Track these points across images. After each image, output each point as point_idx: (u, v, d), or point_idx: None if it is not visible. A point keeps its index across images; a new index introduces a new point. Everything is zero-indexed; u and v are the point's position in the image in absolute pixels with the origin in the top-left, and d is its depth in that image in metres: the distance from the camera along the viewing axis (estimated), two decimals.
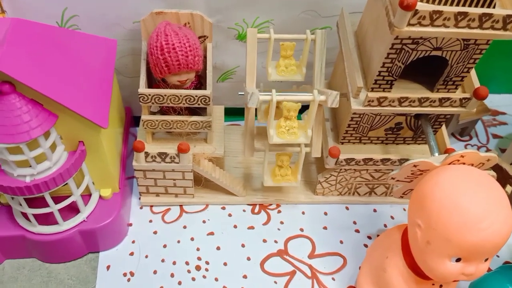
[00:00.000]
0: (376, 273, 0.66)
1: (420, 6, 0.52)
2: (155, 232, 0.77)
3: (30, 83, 0.55)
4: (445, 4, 0.54)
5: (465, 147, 0.93)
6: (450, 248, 0.53)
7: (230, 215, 0.80)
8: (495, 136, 0.95)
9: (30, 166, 0.60)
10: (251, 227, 0.79)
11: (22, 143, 0.57)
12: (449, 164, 0.56)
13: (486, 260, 0.55)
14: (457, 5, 0.54)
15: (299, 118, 0.70)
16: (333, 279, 0.73)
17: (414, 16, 0.53)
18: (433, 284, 0.61)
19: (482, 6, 0.54)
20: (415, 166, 0.58)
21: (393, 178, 0.63)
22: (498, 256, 0.78)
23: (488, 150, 0.93)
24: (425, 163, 0.57)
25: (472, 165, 0.57)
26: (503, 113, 0.98)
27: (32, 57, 0.58)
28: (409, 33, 0.54)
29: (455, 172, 0.55)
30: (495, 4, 0.54)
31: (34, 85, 0.55)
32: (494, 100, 0.99)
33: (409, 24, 0.54)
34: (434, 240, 0.54)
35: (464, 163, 0.57)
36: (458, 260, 0.54)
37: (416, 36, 0.56)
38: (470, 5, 0.54)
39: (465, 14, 0.53)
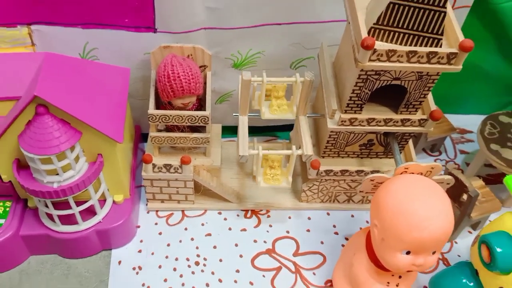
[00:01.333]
0: (347, 268, 0.78)
1: (378, 45, 0.65)
2: (160, 233, 0.89)
3: (60, 105, 0.67)
4: (400, 43, 0.67)
5: (435, 161, 1.04)
6: (400, 243, 0.64)
7: (225, 219, 0.92)
8: (462, 152, 1.07)
9: (58, 174, 0.72)
10: (244, 229, 0.90)
11: (53, 155, 0.69)
12: (400, 174, 0.68)
13: (434, 253, 0.66)
14: (410, 45, 0.67)
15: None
16: (313, 274, 0.85)
17: (373, 53, 0.65)
18: (392, 275, 0.73)
19: (431, 45, 0.67)
20: (371, 180, 0.70)
21: (361, 191, 0.74)
22: (459, 256, 0.89)
23: (456, 164, 1.04)
24: (379, 177, 0.69)
25: (422, 173, 0.69)
26: (470, 132, 1.10)
27: (61, 84, 0.70)
28: (370, 67, 0.67)
29: (403, 181, 0.66)
30: (441, 44, 0.67)
31: (64, 107, 0.67)
32: (463, 120, 1.11)
33: (370, 60, 0.66)
34: (387, 237, 0.66)
35: (413, 173, 0.69)
36: (408, 253, 0.65)
37: (377, 69, 0.68)
38: (420, 45, 0.67)
39: (415, 52, 0.65)
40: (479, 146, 0.94)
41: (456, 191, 0.85)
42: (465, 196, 0.83)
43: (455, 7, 0.87)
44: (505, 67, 0.98)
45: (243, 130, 0.82)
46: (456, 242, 0.91)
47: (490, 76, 1.02)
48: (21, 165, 0.74)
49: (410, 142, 0.88)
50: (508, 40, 0.96)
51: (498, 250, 0.70)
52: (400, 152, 0.87)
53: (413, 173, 0.68)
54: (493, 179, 1.00)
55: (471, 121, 1.08)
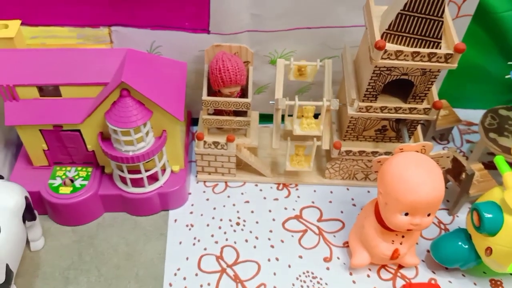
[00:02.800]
0: (359, 230, 0.95)
1: (388, 47, 0.82)
2: (207, 199, 1.07)
3: (139, 89, 0.86)
4: (407, 45, 0.84)
5: (443, 148, 1.20)
6: (399, 206, 0.81)
7: (261, 190, 1.10)
8: (468, 141, 1.22)
9: (133, 144, 0.92)
10: (276, 199, 1.08)
11: (131, 129, 0.88)
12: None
13: (429, 215, 0.83)
14: (415, 46, 0.83)
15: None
16: (334, 236, 1.02)
17: (384, 53, 0.82)
18: (396, 235, 0.89)
19: (432, 47, 0.83)
20: (378, 161, 0.87)
21: (376, 172, 0.91)
22: (459, 227, 1.04)
23: (461, 152, 1.20)
24: (384, 158, 0.86)
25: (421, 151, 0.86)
26: (476, 124, 1.24)
27: (138, 73, 0.90)
28: (382, 64, 0.84)
29: (402, 157, 0.83)
30: (440, 46, 0.83)
31: (141, 90, 0.87)
32: (470, 114, 1.25)
33: (382, 58, 0.83)
34: (389, 201, 0.82)
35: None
36: (406, 214, 0.82)
37: (387, 65, 0.85)
38: (423, 47, 0.83)
39: (418, 52, 0.82)
40: (480, 135, 1.09)
41: (456, 171, 1.01)
42: (463, 175, 0.99)
43: (458, 15, 1.02)
44: (506, 68, 1.13)
45: (277, 126, 0.98)
46: (457, 216, 1.07)
47: (493, 76, 1.17)
48: (103, 137, 0.94)
49: (419, 129, 1.04)
50: (509, 44, 1.11)
51: (486, 215, 0.85)
52: (410, 138, 1.04)
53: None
54: (493, 165, 1.15)
55: (477, 115, 1.22)
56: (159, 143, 0.94)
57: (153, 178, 1.01)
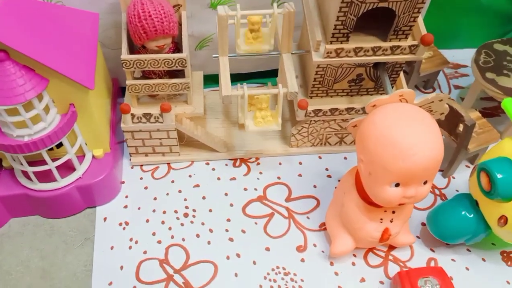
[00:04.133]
0: (338, 209, 0.74)
1: None
2: (145, 188, 0.85)
3: (22, 49, 0.62)
4: None
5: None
6: (387, 175, 0.61)
7: (213, 169, 0.88)
8: (456, 87, 1.03)
9: (28, 127, 0.68)
10: (233, 178, 0.87)
11: (19, 105, 0.64)
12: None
13: (426, 183, 0.63)
14: None
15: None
16: (307, 218, 0.82)
17: None
18: (385, 211, 0.69)
19: None
20: (354, 126, 0.66)
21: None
22: (457, 191, 0.86)
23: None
24: (360, 120, 0.65)
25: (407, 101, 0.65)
26: (465, 66, 1.05)
27: (23, 28, 0.65)
28: None
29: (384, 111, 0.62)
30: None
31: (26, 51, 0.62)
32: (456, 55, 1.07)
33: None
34: (374, 171, 0.62)
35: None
36: (397, 185, 0.62)
37: None
38: None
39: None
40: (474, 76, 0.89)
41: (451, 123, 0.81)
42: (461, 127, 0.79)
43: None
44: None
45: (224, 71, 0.77)
46: (453, 177, 0.88)
47: (484, 7, 0.98)
48: None
49: (402, 75, 0.84)
50: None
51: (499, 176, 0.67)
52: (392, 87, 0.83)
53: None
54: (490, 112, 0.97)
55: (466, 55, 1.04)
56: (66, 121, 0.71)
57: (69, 168, 0.77)
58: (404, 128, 0.61)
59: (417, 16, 0.70)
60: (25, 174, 0.76)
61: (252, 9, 0.80)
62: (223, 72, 0.77)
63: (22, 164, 0.72)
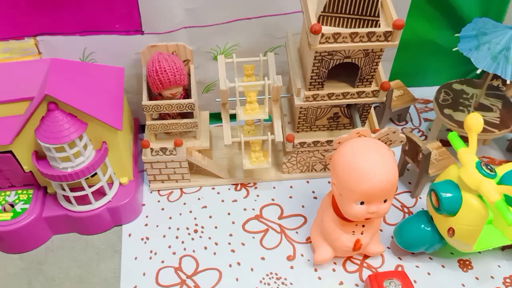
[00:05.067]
0: (320, 224, 0.91)
1: (324, 30, 0.77)
2: (162, 209, 1.02)
3: (67, 101, 0.80)
4: (345, 27, 0.79)
5: (402, 129, 1.17)
6: (353, 195, 0.77)
7: (218, 192, 1.05)
8: (426, 119, 1.19)
9: (70, 160, 0.86)
10: (235, 200, 1.04)
11: (65, 144, 0.82)
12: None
13: (386, 201, 0.79)
14: (353, 27, 0.79)
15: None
16: (296, 232, 0.98)
17: (322, 37, 0.78)
18: (356, 225, 0.85)
19: (371, 27, 0.79)
20: (330, 159, 0.83)
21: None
22: (423, 209, 1.01)
23: (420, 131, 1.17)
24: (332, 155, 0.83)
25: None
26: (432, 101, 1.22)
27: (67, 84, 0.84)
28: (321, 48, 0.79)
29: (350, 144, 0.78)
30: (379, 24, 0.79)
31: (70, 102, 0.81)
32: (426, 92, 1.23)
33: (320, 43, 0.79)
34: (343, 192, 0.79)
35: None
36: (362, 203, 0.78)
37: (327, 50, 0.81)
38: (361, 27, 0.79)
39: (357, 33, 0.78)
40: (435, 112, 1.06)
41: (413, 152, 0.98)
42: (420, 155, 0.96)
43: None
44: (457, 40, 1.10)
45: (226, 122, 0.96)
46: (420, 198, 1.04)
47: (445, 50, 1.14)
48: (39, 156, 0.88)
49: (372, 112, 1.01)
50: (456, 16, 1.08)
51: (443, 195, 0.82)
52: (364, 122, 1.00)
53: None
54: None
55: (434, 92, 1.20)
56: (100, 156, 0.89)
57: (100, 193, 0.95)
58: (364, 157, 0.77)
59: (376, 68, 0.87)
60: (66, 198, 0.94)
61: (249, 53, 0.99)
62: (225, 123, 0.96)
63: (64, 190, 0.90)
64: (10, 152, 0.87)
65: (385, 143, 0.83)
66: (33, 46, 0.95)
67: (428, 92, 1.23)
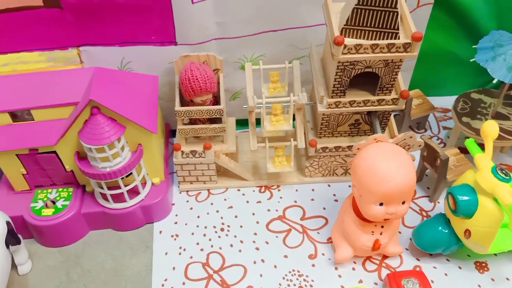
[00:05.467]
0: (340, 224, 0.96)
1: (347, 41, 0.83)
2: (191, 208, 1.09)
3: (108, 105, 0.88)
4: (366, 39, 0.85)
5: (421, 137, 1.21)
6: (373, 197, 0.82)
7: (243, 194, 1.11)
8: (445, 127, 1.23)
9: (109, 160, 0.93)
10: (259, 201, 1.09)
11: (105, 145, 0.89)
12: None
13: (404, 203, 0.83)
14: (374, 39, 0.85)
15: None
16: (318, 233, 1.03)
17: (344, 48, 0.84)
18: (375, 225, 0.90)
19: (390, 38, 0.85)
20: (351, 163, 0.88)
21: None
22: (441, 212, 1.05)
23: (438, 139, 1.21)
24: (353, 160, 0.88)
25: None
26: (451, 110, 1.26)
27: (107, 90, 0.91)
28: (344, 59, 0.85)
29: (371, 149, 0.83)
30: (399, 37, 0.85)
31: (111, 107, 0.88)
32: (445, 101, 1.27)
33: (342, 53, 0.84)
34: (363, 193, 0.83)
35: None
36: (381, 204, 0.83)
37: (349, 60, 0.86)
38: (382, 39, 0.85)
39: (377, 45, 0.84)
40: (453, 120, 1.10)
41: (432, 158, 1.02)
42: (438, 161, 1.00)
43: (419, 4, 1.04)
44: (474, 52, 1.15)
45: (252, 128, 1.02)
46: (438, 202, 1.08)
47: (463, 61, 1.18)
48: (80, 156, 0.96)
49: (392, 119, 1.06)
50: (473, 27, 1.12)
51: (460, 198, 0.86)
52: (384, 129, 1.05)
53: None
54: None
55: (453, 102, 1.24)
56: (135, 157, 0.95)
57: (134, 192, 1.02)
58: (383, 161, 0.82)
59: (396, 77, 0.92)
60: (103, 196, 1.01)
61: (274, 63, 1.05)
62: (251, 131, 1.02)
63: (102, 188, 0.98)
64: (54, 152, 0.95)
65: (404, 147, 0.88)
66: (76, 55, 1.03)
67: (446, 101, 1.27)
